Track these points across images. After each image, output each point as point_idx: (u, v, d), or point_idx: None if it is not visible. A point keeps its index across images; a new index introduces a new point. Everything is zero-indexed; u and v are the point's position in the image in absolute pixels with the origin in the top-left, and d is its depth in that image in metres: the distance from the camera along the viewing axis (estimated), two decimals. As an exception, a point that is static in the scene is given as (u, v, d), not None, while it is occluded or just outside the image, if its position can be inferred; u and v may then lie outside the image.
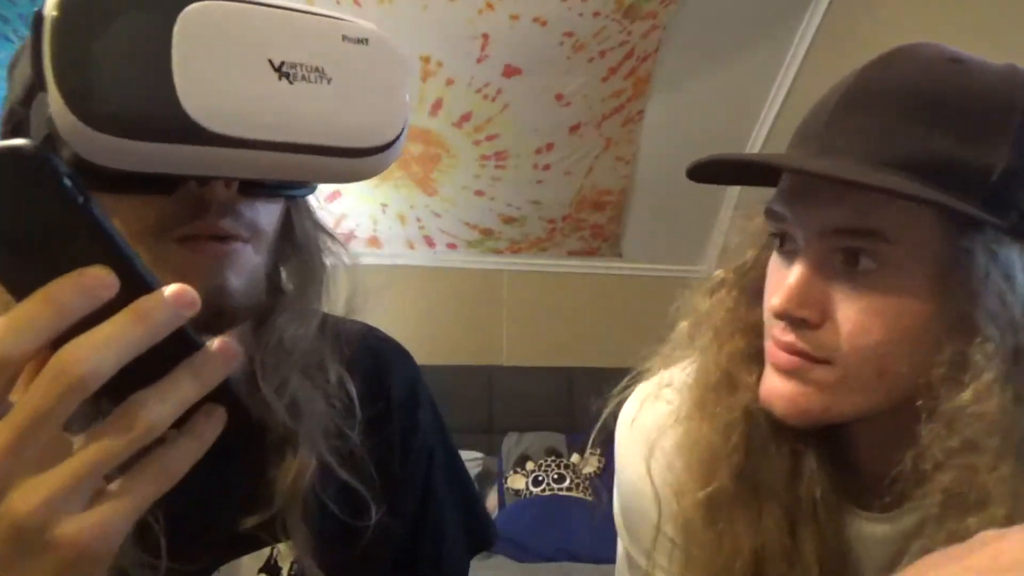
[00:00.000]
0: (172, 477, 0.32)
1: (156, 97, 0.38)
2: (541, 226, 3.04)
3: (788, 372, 0.53)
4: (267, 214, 0.51)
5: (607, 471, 2.75)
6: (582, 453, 2.80)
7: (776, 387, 0.54)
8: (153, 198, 0.45)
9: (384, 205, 2.87)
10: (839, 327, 0.50)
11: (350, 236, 2.84)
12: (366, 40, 0.44)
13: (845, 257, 0.50)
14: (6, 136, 0.48)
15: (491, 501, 2.69)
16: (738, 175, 0.60)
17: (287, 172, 0.44)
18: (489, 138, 2.69)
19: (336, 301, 0.61)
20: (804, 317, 0.51)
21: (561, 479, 2.68)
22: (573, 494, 2.64)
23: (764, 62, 2.58)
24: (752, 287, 0.60)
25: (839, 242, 0.50)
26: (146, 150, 0.38)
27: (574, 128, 2.70)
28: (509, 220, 3.00)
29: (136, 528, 0.36)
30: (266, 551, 0.56)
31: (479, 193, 2.88)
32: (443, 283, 3.08)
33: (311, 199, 0.58)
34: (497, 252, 3.13)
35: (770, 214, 0.55)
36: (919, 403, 0.50)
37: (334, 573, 0.57)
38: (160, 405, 0.31)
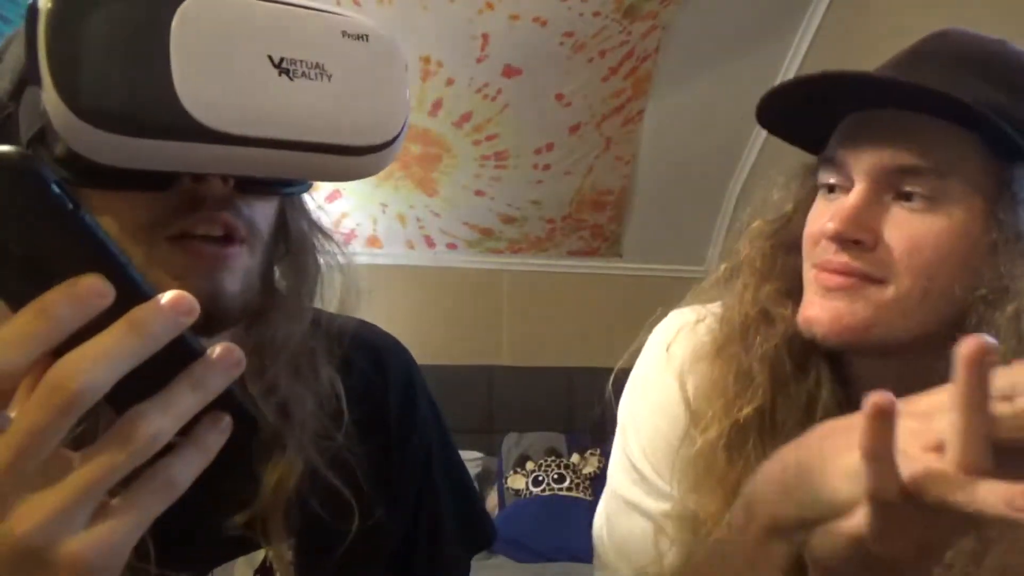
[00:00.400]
0: (176, 489, 0.31)
1: (153, 92, 0.37)
2: (541, 226, 3.04)
3: (837, 291, 0.55)
4: (263, 211, 0.50)
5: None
6: (582, 453, 2.79)
7: (819, 308, 0.56)
8: (148, 194, 0.44)
9: (384, 205, 2.87)
10: (891, 249, 0.54)
11: (351, 236, 2.84)
12: (366, 36, 0.43)
13: (897, 193, 0.55)
14: None
15: (491, 501, 2.69)
16: (798, 125, 0.63)
17: (286, 170, 0.44)
18: (489, 138, 2.69)
19: (330, 301, 0.60)
20: (859, 239, 0.55)
21: (561, 479, 2.67)
22: (573, 494, 2.63)
23: (764, 62, 2.57)
24: (790, 238, 0.64)
25: (894, 180, 0.55)
26: (143, 146, 0.37)
27: (574, 128, 2.70)
28: (509, 220, 3.00)
29: None
30: (260, 554, 0.55)
31: (479, 193, 2.88)
32: (443, 283, 3.08)
33: (307, 198, 0.58)
34: (497, 252, 3.12)
35: (825, 161, 0.59)
36: (970, 321, 0.53)
37: (324, 574, 0.56)
38: (161, 417, 0.30)
